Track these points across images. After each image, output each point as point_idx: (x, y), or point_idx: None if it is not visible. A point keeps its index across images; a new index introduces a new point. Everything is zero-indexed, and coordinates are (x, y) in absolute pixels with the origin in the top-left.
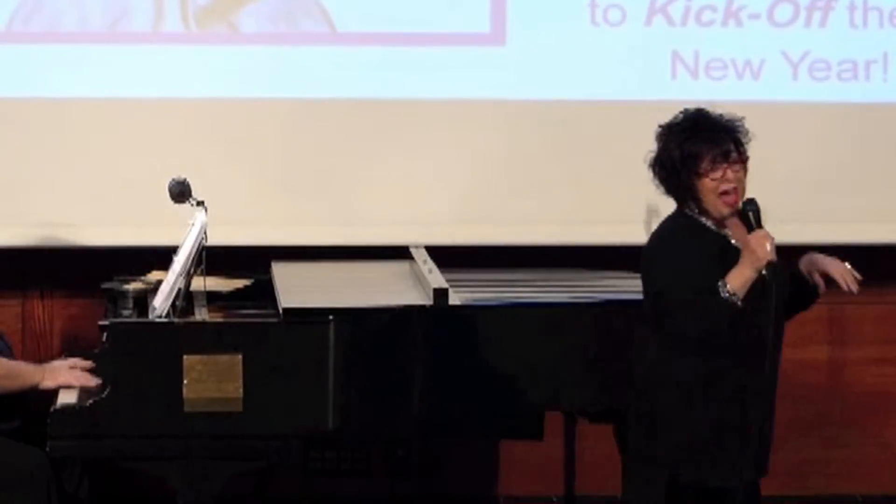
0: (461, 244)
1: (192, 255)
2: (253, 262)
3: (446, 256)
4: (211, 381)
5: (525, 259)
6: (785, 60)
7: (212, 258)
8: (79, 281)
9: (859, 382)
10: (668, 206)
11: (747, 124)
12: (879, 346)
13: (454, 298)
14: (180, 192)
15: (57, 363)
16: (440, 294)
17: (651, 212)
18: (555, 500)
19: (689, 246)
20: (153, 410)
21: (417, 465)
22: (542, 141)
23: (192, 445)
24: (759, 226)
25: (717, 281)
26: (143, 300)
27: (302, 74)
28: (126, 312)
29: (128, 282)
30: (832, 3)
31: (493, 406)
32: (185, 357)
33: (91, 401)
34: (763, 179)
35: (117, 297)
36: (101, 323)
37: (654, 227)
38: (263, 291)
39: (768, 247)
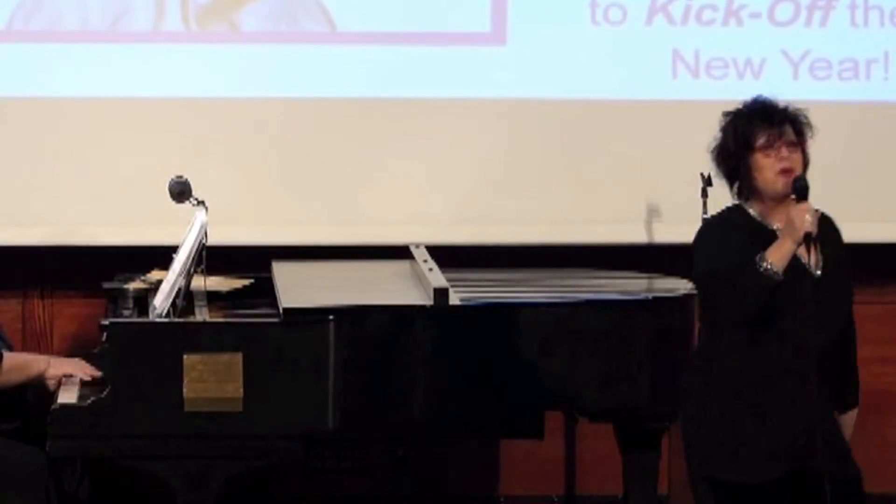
0: (462, 243)
1: (193, 255)
2: (253, 261)
3: (447, 256)
4: (211, 380)
5: (526, 258)
6: (785, 59)
7: (212, 258)
8: (79, 280)
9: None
10: (669, 206)
11: None
12: (879, 345)
13: (455, 298)
14: (180, 191)
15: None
16: (441, 293)
17: (651, 211)
18: (555, 499)
19: (730, 232)
20: (153, 410)
21: (417, 464)
22: (542, 140)
23: (192, 445)
24: (804, 200)
25: (752, 260)
26: (143, 299)
27: (302, 74)
28: (126, 312)
29: (128, 281)
30: (833, 3)
31: (494, 405)
32: (185, 356)
33: (91, 400)
34: None
35: (118, 297)
36: (101, 322)
37: (655, 226)
38: (264, 291)
39: (808, 217)
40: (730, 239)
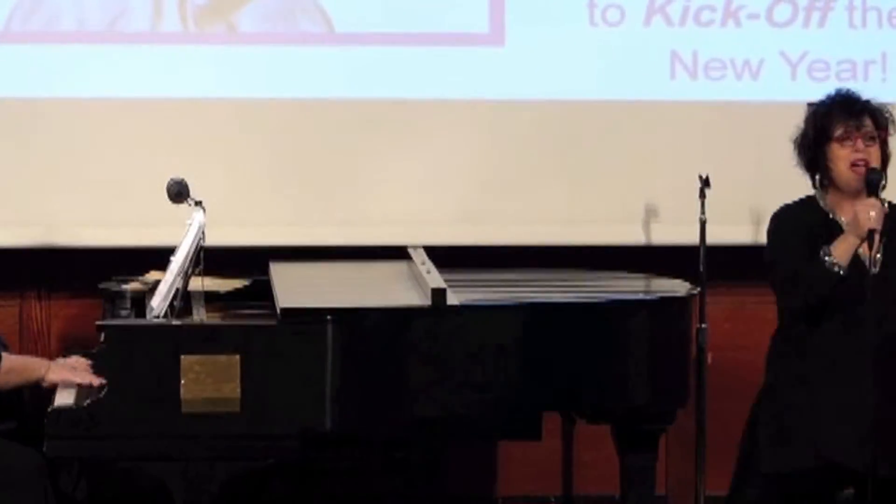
0: (460, 244)
1: (190, 256)
2: (251, 262)
3: (444, 256)
4: (208, 381)
5: (523, 259)
6: (784, 60)
7: (210, 258)
8: (77, 281)
9: None
10: (667, 207)
11: (744, 124)
12: None
13: (452, 299)
14: (178, 192)
15: (59, 360)
16: (438, 294)
17: (650, 212)
18: (553, 500)
19: (795, 224)
20: (151, 411)
21: (415, 465)
22: (540, 141)
23: (189, 446)
24: (874, 195)
25: (817, 252)
26: (141, 300)
27: (301, 74)
28: (124, 313)
29: (126, 282)
30: (831, 4)
31: (491, 406)
32: (182, 357)
33: (89, 401)
34: (761, 179)
35: (115, 298)
36: (98, 323)
37: (653, 227)
38: (261, 292)
39: (872, 213)
40: (793, 230)
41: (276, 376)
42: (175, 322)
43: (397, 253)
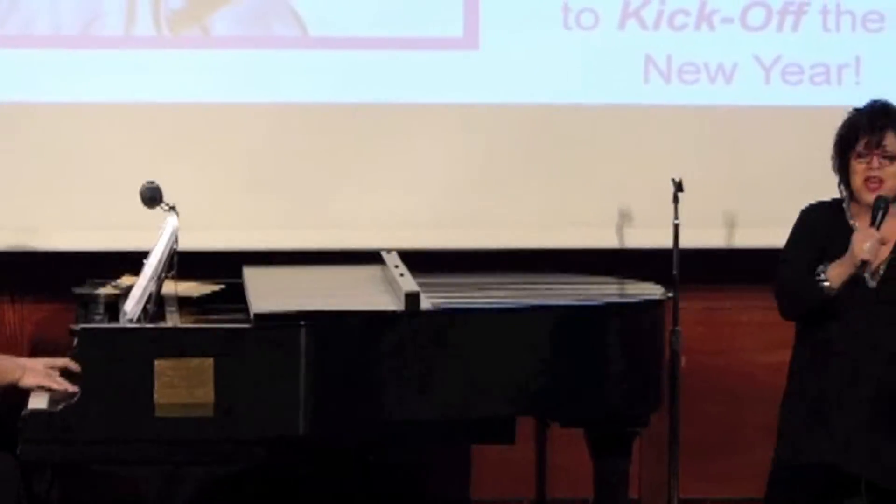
0: (435, 248)
1: (164, 260)
2: (224, 266)
3: (420, 260)
4: (182, 385)
5: (498, 262)
6: (757, 64)
7: (183, 263)
8: (50, 285)
9: None
10: (641, 211)
11: (718, 128)
12: None
13: (426, 303)
14: (151, 196)
15: (31, 362)
16: (412, 298)
17: (623, 215)
18: (526, 503)
19: (812, 225)
20: (124, 415)
21: (389, 469)
22: (516, 145)
23: (163, 450)
24: (874, 224)
25: (817, 263)
26: (114, 305)
27: (275, 78)
28: (97, 317)
29: (99, 286)
30: (805, 8)
31: (465, 410)
32: (156, 362)
33: (62, 405)
34: (735, 183)
35: (88, 302)
36: (72, 328)
37: (627, 231)
38: (235, 296)
39: (867, 245)
40: (810, 234)
41: (249, 380)
42: (148, 326)
43: (371, 257)
